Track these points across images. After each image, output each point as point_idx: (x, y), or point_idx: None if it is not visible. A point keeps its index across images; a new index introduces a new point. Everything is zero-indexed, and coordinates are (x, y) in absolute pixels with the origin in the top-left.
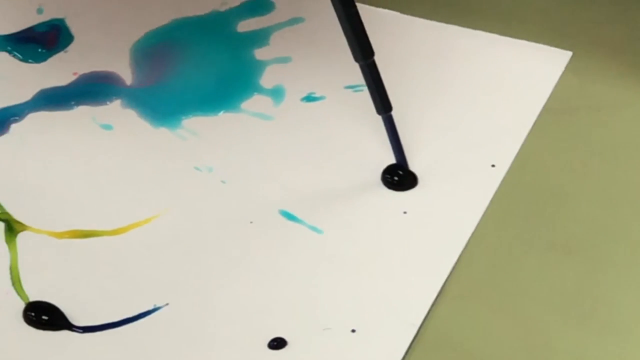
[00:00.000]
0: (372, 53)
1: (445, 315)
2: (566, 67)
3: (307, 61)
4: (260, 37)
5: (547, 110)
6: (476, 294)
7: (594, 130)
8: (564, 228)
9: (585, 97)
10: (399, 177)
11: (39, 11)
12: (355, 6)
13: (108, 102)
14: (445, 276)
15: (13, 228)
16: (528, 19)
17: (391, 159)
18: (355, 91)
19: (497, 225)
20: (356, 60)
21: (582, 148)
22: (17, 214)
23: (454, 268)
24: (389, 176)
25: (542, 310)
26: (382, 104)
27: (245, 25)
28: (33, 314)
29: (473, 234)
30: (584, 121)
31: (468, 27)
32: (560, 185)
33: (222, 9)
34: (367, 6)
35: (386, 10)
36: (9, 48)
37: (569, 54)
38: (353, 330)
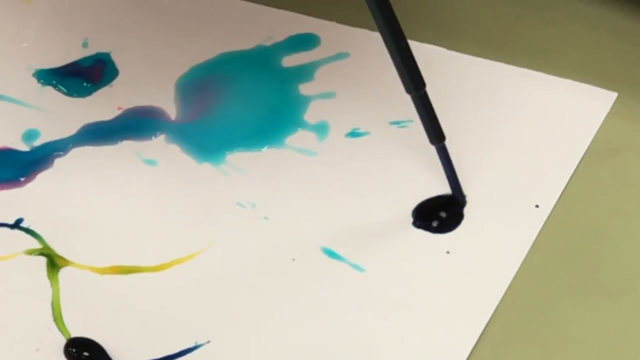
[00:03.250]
0: (423, 84)
1: (486, 359)
2: (611, 109)
3: (351, 97)
4: (305, 72)
5: (592, 151)
6: (518, 338)
7: (639, 172)
8: (608, 272)
9: (630, 140)
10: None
11: (84, 45)
12: (405, 38)
13: (152, 137)
14: (487, 319)
15: (55, 263)
16: (574, 58)
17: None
18: (401, 127)
19: (540, 266)
20: (408, 92)
21: (627, 191)
22: (59, 249)
23: (495, 310)
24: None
25: (584, 355)
26: (436, 134)
27: (291, 60)
28: (74, 350)
29: (516, 275)
30: (629, 163)
31: (513, 64)
32: (605, 228)
33: (268, 43)
34: (413, 42)
35: (432, 46)
36: (54, 82)
37: (615, 95)
38: None
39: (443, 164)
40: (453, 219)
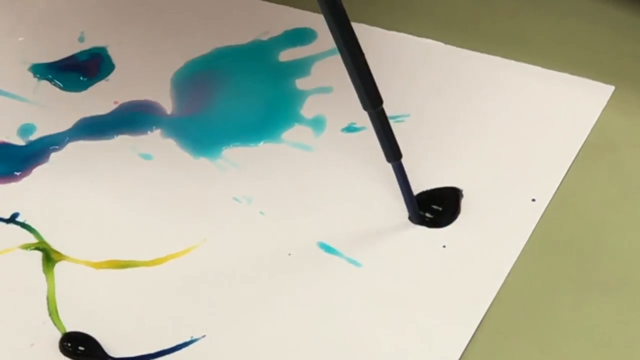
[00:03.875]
0: (380, 101)
1: (482, 352)
2: (608, 102)
3: (348, 91)
4: (301, 67)
5: (588, 145)
6: (514, 331)
7: (636, 166)
8: (604, 265)
9: (627, 133)
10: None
11: (81, 39)
12: (364, 55)
13: (148, 132)
14: (483, 312)
15: (51, 258)
16: (570, 52)
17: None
18: (397, 122)
19: (537, 260)
20: (365, 108)
21: (624, 184)
22: (55, 244)
23: (492, 304)
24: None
25: (580, 348)
26: (393, 152)
27: (287, 55)
28: (69, 344)
29: (512, 269)
30: (626, 157)
31: (510, 58)
32: (601, 222)
33: (264, 38)
34: (409, 36)
35: (429, 40)
36: (50, 76)
37: (611, 88)
38: None
39: (399, 182)
40: (449, 212)
